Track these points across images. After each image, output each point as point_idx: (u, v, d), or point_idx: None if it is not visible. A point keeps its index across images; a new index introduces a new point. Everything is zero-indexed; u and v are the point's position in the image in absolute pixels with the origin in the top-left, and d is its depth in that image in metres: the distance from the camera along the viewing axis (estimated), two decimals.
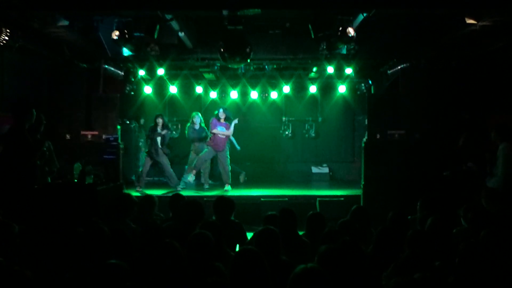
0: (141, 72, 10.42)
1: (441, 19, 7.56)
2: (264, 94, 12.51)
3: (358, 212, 5.00)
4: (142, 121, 11.93)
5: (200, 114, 10.73)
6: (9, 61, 8.03)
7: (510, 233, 3.71)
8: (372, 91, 11.35)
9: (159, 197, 8.05)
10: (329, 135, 13.04)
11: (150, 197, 5.62)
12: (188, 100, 12.46)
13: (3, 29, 6.82)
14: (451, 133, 9.12)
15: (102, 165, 8.11)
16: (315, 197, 9.06)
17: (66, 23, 7.20)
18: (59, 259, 3.37)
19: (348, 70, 10.18)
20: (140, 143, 11.61)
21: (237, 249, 4.72)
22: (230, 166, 10.27)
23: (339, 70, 10.24)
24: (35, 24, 7.09)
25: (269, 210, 5.68)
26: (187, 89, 12.16)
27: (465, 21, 6.77)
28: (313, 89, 11.99)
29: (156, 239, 3.71)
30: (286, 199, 9.11)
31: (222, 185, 10.37)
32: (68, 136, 9.42)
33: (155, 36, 7.37)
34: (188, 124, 10.69)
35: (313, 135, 13.00)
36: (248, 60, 7.77)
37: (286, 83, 11.70)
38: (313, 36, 7.31)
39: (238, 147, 10.78)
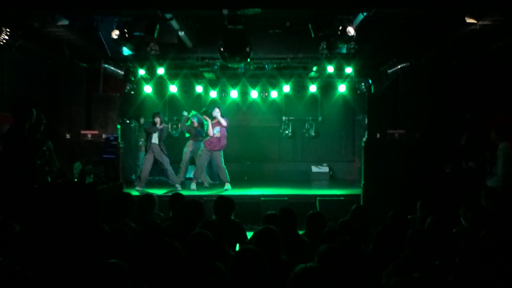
0: (141, 72, 10.42)
1: (441, 18, 7.57)
2: (264, 93, 12.52)
3: (358, 212, 5.00)
4: (142, 120, 11.94)
5: (199, 114, 10.70)
6: (9, 61, 8.03)
7: (510, 232, 3.71)
8: (372, 91, 11.36)
9: (159, 196, 8.07)
10: (329, 135, 13.05)
11: (150, 196, 5.61)
12: (188, 99, 12.47)
13: (3, 29, 6.83)
14: (451, 132, 9.13)
15: (102, 165, 8.11)
16: (315, 196, 9.07)
17: (66, 22, 7.21)
18: (59, 258, 3.37)
19: (348, 70, 10.18)
20: (140, 143, 11.61)
21: (237, 248, 4.72)
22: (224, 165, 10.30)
23: (339, 70, 10.23)
24: (35, 24, 7.09)
25: (269, 210, 5.69)
26: (187, 89, 12.16)
27: (465, 21, 6.78)
28: (313, 88, 12.00)
29: (156, 238, 3.71)
30: (286, 198, 9.11)
31: (222, 184, 10.37)
32: (68, 136, 9.42)
33: (155, 36, 7.38)
34: (188, 123, 10.67)
35: (313, 134, 13.01)
36: (248, 60, 7.77)
37: (286, 83, 11.71)
38: (313, 36, 7.31)
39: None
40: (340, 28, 7.07)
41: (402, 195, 7.80)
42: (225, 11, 6.87)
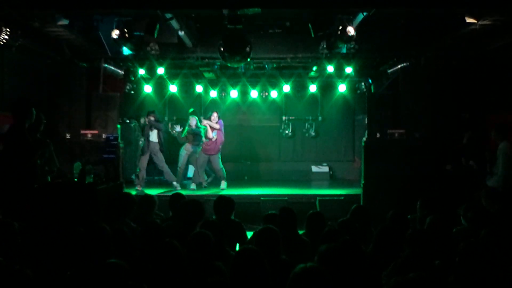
0: (141, 71, 10.42)
1: (441, 18, 7.57)
2: (264, 93, 12.52)
3: (358, 212, 5.00)
4: (142, 120, 11.92)
5: (196, 117, 10.66)
6: (9, 61, 8.03)
7: (510, 232, 3.72)
8: (372, 90, 11.36)
9: (159, 196, 8.07)
10: (329, 134, 13.05)
11: (150, 196, 5.62)
12: (188, 99, 12.47)
13: (3, 29, 6.82)
14: (451, 132, 9.13)
15: (102, 164, 8.10)
16: (315, 196, 9.07)
17: (66, 22, 7.20)
18: (59, 258, 3.37)
19: (348, 69, 10.18)
20: (140, 142, 11.60)
21: (237, 248, 4.72)
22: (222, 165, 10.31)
23: (339, 69, 10.23)
24: (35, 23, 7.09)
25: (269, 209, 5.70)
26: (187, 88, 12.17)
27: (465, 21, 6.78)
28: (313, 88, 12.00)
29: (156, 238, 3.71)
30: (286, 198, 9.11)
31: (218, 182, 10.34)
32: (68, 135, 9.41)
33: (155, 35, 7.38)
34: (187, 127, 10.61)
35: (313, 134, 13.01)
36: (248, 59, 7.76)
37: (286, 82, 11.72)
38: (313, 35, 7.32)
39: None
40: (340, 28, 7.06)
41: (402, 195, 7.80)
42: (225, 11, 6.87)
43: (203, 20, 8.92)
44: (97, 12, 7.32)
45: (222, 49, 7.35)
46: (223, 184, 10.16)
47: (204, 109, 12.55)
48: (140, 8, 6.81)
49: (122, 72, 10.40)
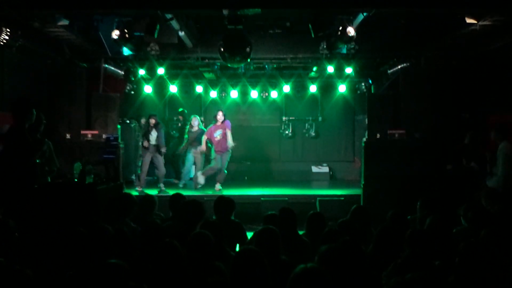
0: (141, 72, 10.43)
1: (441, 19, 7.57)
2: (264, 93, 12.53)
3: (358, 212, 4.99)
4: (143, 120, 11.92)
5: (198, 117, 10.64)
6: (9, 61, 8.02)
7: (510, 232, 3.72)
8: (372, 91, 11.37)
9: (159, 196, 8.06)
10: (329, 135, 13.05)
11: (150, 196, 5.62)
12: (188, 99, 12.46)
13: (4, 29, 6.82)
14: (451, 132, 9.12)
15: (102, 165, 8.09)
16: (315, 196, 9.07)
17: (66, 22, 7.21)
18: (60, 258, 3.37)
19: (348, 70, 10.19)
20: (140, 143, 11.59)
21: (237, 248, 4.72)
22: None
23: (339, 70, 10.24)
24: (35, 24, 7.09)
25: (269, 210, 5.69)
26: (187, 89, 12.17)
27: (465, 21, 6.78)
28: (313, 88, 12.01)
29: (156, 238, 3.71)
30: (286, 198, 9.11)
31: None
32: (68, 136, 9.41)
33: (155, 36, 7.38)
34: (187, 127, 10.54)
35: (313, 134, 13.01)
36: (248, 60, 7.77)
37: (286, 83, 11.73)
38: (313, 36, 7.32)
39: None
40: (340, 28, 7.07)
41: (402, 195, 7.80)
42: (225, 11, 6.88)
43: (203, 21, 8.92)
44: (97, 12, 7.33)
45: (222, 49, 7.35)
46: (219, 185, 10.10)
47: (204, 109, 12.54)
48: (140, 8, 6.82)
49: (122, 73, 10.40)
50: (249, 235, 4.81)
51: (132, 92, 11.76)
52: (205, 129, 10.27)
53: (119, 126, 9.96)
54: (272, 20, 9.10)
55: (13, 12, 6.57)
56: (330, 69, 10.04)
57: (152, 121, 10.13)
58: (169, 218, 5.40)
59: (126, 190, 8.54)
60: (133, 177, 11.38)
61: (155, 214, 5.54)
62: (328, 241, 3.61)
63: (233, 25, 7.05)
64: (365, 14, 6.87)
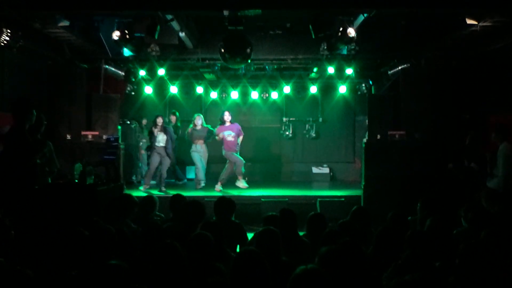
0: (142, 72, 10.42)
1: (442, 19, 7.57)
2: (264, 94, 12.52)
3: (358, 213, 5.00)
4: (144, 121, 11.94)
5: (202, 115, 10.63)
6: (10, 61, 8.02)
7: (510, 233, 3.71)
8: (373, 92, 11.37)
9: (160, 197, 8.06)
10: (330, 136, 13.05)
11: (150, 197, 5.62)
12: (188, 100, 12.47)
13: (4, 30, 6.83)
14: (452, 133, 9.12)
15: (102, 166, 8.10)
16: (315, 197, 9.06)
17: (66, 23, 7.22)
18: (60, 259, 3.37)
19: (349, 71, 10.19)
20: (141, 143, 11.60)
21: (238, 249, 4.72)
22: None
23: (340, 71, 10.24)
24: (36, 24, 7.11)
25: (270, 211, 5.69)
26: (187, 89, 12.16)
27: (466, 22, 6.78)
28: (313, 89, 12.00)
29: (157, 239, 3.71)
30: (287, 199, 9.10)
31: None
32: (68, 136, 9.40)
33: (156, 37, 7.38)
34: (191, 125, 10.48)
35: (314, 135, 13.01)
36: (249, 61, 7.78)
37: (287, 84, 11.73)
38: (313, 37, 7.33)
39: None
40: (341, 29, 7.07)
41: (402, 196, 7.81)
42: (225, 12, 6.88)
43: (203, 21, 8.93)
44: (97, 13, 7.34)
45: (222, 50, 7.36)
46: (220, 185, 10.10)
47: (204, 110, 12.54)
48: (140, 9, 6.82)
49: (123, 73, 10.41)
50: (250, 236, 4.81)
51: (133, 93, 11.76)
52: (209, 127, 10.28)
53: (119, 127, 9.96)
54: (273, 21, 9.11)
55: (14, 13, 6.57)
56: (331, 70, 10.04)
57: (160, 120, 10.12)
58: (169, 219, 5.41)
59: (127, 191, 8.55)
60: (134, 178, 11.39)
61: (156, 215, 5.54)
62: (329, 242, 3.61)
63: (233, 26, 7.05)
64: (365, 15, 6.87)
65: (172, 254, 3.20)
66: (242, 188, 9.95)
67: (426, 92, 9.47)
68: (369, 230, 4.76)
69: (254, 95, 12.28)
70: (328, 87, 12.29)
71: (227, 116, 10.09)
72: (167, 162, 10.04)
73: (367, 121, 9.87)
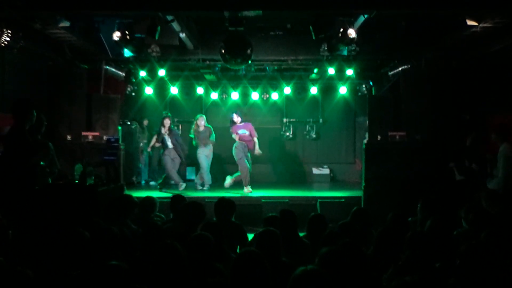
0: (142, 73, 10.42)
1: (442, 20, 7.57)
2: (265, 95, 12.51)
3: (358, 214, 4.99)
4: (146, 122, 11.93)
5: (204, 116, 10.56)
6: (10, 62, 8.03)
7: (510, 234, 3.71)
8: (373, 92, 11.37)
9: (160, 198, 8.06)
10: (330, 136, 13.05)
11: (151, 198, 5.62)
12: (189, 101, 12.47)
13: (5, 30, 6.83)
14: (452, 134, 9.11)
15: (103, 166, 8.11)
16: (315, 198, 9.05)
17: (67, 24, 7.22)
18: (60, 260, 3.37)
19: (349, 72, 10.18)
20: (141, 144, 11.60)
21: (238, 250, 4.72)
22: None
23: (340, 72, 10.24)
24: (36, 25, 7.11)
25: (270, 212, 5.70)
26: (188, 90, 12.16)
27: (466, 23, 6.77)
28: (314, 90, 12.01)
29: (157, 240, 3.71)
30: (287, 200, 9.10)
31: (221, 185, 10.28)
32: (69, 137, 9.40)
33: (156, 37, 7.38)
34: (193, 126, 10.39)
35: (314, 136, 13.00)
36: (249, 61, 7.78)
37: (287, 84, 11.73)
38: (314, 38, 7.32)
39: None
40: (341, 30, 7.08)
41: (402, 197, 7.79)
42: (226, 13, 6.88)
43: (204, 22, 8.93)
44: (98, 14, 7.33)
45: (223, 51, 7.37)
46: (231, 181, 10.04)
47: (205, 111, 12.53)
48: (141, 10, 6.82)
49: (123, 74, 10.42)
50: (250, 237, 4.81)
51: (133, 94, 11.77)
52: (211, 127, 10.25)
53: (119, 128, 9.96)
54: (273, 22, 9.11)
55: (14, 13, 6.58)
56: (331, 71, 10.04)
57: (167, 122, 10.11)
58: (169, 219, 5.41)
59: (127, 192, 8.56)
60: (134, 178, 11.39)
61: (156, 216, 5.54)
62: (329, 243, 3.61)
63: (234, 27, 7.06)
64: (365, 15, 6.87)
65: (172, 254, 3.20)
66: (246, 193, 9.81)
67: (426, 92, 9.46)
68: (370, 231, 4.75)
69: (255, 96, 12.28)
70: (328, 88, 12.29)
71: (235, 118, 10.02)
72: (176, 164, 10.06)
73: (367, 122, 9.87)
